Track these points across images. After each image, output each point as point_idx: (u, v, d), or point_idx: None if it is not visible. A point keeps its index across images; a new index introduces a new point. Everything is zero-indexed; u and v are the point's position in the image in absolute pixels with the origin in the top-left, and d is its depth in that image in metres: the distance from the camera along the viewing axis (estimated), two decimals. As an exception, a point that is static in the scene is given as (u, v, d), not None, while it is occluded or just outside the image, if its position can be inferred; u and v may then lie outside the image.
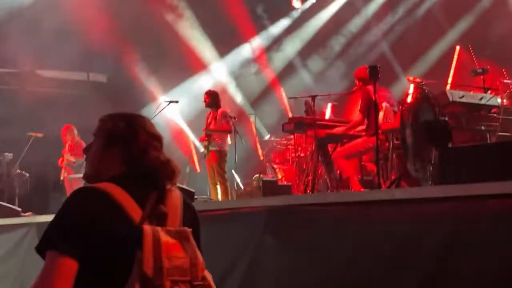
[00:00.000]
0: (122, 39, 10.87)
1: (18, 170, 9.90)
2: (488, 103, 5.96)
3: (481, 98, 5.93)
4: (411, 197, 3.47)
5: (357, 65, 10.23)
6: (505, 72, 7.07)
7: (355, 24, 11.62)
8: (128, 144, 2.13)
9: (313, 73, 11.95)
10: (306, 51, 12.18)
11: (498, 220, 2.84)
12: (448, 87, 7.51)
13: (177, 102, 9.57)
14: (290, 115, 9.92)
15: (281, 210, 4.03)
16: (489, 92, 6.47)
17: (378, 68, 5.80)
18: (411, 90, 6.74)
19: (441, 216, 3.10)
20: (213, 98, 8.23)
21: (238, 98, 12.05)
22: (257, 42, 12.30)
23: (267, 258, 3.89)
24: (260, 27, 12.18)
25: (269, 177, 8.68)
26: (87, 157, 2.23)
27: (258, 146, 10.49)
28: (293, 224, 3.89)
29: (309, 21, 12.18)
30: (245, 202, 5.94)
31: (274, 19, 12.29)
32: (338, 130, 6.62)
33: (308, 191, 6.56)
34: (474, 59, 7.16)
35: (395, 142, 5.86)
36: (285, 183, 8.31)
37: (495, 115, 6.02)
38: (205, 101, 8.29)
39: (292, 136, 8.21)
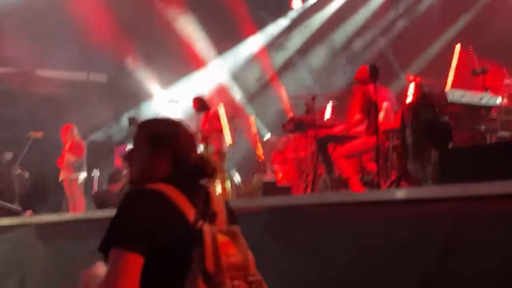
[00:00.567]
0: (122, 38, 10.88)
1: (18, 170, 9.91)
2: (488, 103, 5.95)
3: (481, 98, 5.93)
4: (411, 197, 3.47)
5: (357, 63, 10.31)
6: (505, 72, 7.06)
7: (355, 21, 11.61)
8: (175, 146, 2.24)
9: (313, 72, 11.95)
10: (306, 50, 12.17)
11: (498, 220, 2.84)
12: (448, 87, 7.50)
13: (177, 102, 9.60)
14: (290, 115, 9.92)
15: (281, 210, 4.03)
16: (489, 92, 6.47)
17: (378, 68, 5.80)
18: (411, 90, 6.75)
19: (441, 216, 3.10)
20: (200, 103, 8.36)
21: (238, 96, 12.04)
22: (257, 41, 12.28)
23: (267, 258, 3.88)
24: (260, 26, 12.17)
25: (269, 177, 8.68)
26: (131, 162, 2.32)
27: (258, 146, 10.48)
28: (293, 224, 3.89)
29: (309, 19, 12.17)
30: (245, 202, 5.94)
31: (274, 18, 12.29)
32: (338, 130, 6.61)
33: (308, 191, 6.56)
34: (474, 59, 7.16)
35: (395, 142, 5.86)
36: (285, 183, 8.30)
37: (495, 115, 6.01)
38: (194, 108, 8.40)
39: (292, 136, 8.21)
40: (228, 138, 8.48)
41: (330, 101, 8.61)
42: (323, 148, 6.58)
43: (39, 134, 9.94)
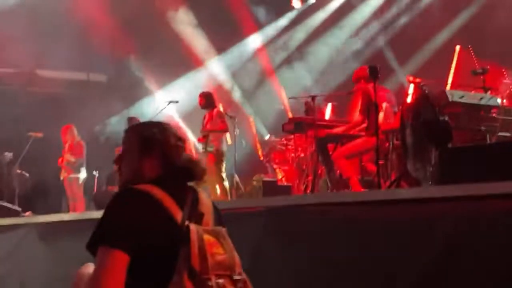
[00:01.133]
0: (122, 38, 10.88)
1: (18, 170, 9.91)
2: (488, 103, 5.95)
3: (481, 98, 5.93)
4: (411, 197, 3.47)
5: (356, 63, 10.31)
6: (505, 72, 7.07)
7: (355, 19, 11.61)
8: (163, 149, 2.30)
9: (313, 71, 11.94)
10: (306, 50, 12.17)
11: (498, 220, 2.84)
12: (448, 87, 7.51)
13: (177, 102, 9.59)
14: (290, 115, 9.93)
15: (281, 210, 4.03)
16: (489, 92, 6.47)
17: (378, 68, 5.80)
18: (411, 90, 6.76)
19: (441, 216, 3.10)
20: (207, 99, 8.29)
21: (237, 96, 12.04)
22: (256, 40, 12.28)
23: (267, 258, 3.89)
24: (260, 25, 12.17)
25: (269, 177, 8.68)
26: (121, 165, 2.38)
27: (258, 146, 10.49)
28: (293, 224, 3.89)
29: (308, 19, 12.17)
30: (245, 202, 5.94)
31: (274, 17, 12.28)
32: (338, 130, 6.62)
33: (308, 191, 6.56)
34: (474, 59, 7.16)
35: (395, 142, 5.86)
36: (285, 183, 8.31)
37: (495, 115, 6.01)
38: (200, 104, 8.35)
39: (292, 136, 8.21)
40: (228, 138, 8.48)
41: (330, 102, 8.62)
42: (323, 148, 6.58)
43: (39, 134, 9.95)
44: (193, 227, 2.12)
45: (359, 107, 6.37)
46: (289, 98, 10.59)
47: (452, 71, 8.22)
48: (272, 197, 6.60)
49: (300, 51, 12.26)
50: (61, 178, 9.31)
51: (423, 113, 4.97)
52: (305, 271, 3.68)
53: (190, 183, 2.30)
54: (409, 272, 3.14)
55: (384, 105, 6.23)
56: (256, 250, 4.00)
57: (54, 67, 11.50)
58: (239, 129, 9.11)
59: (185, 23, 11.64)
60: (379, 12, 11.28)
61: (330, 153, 6.56)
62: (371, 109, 5.94)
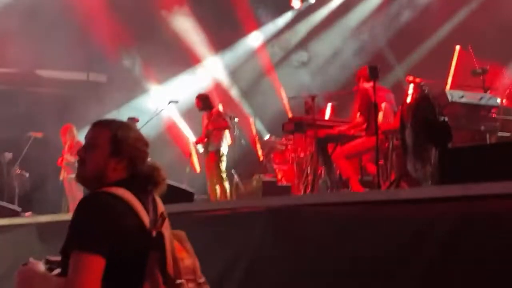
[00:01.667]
0: (122, 37, 10.87)
1: (18, 170, 9.90)
2: (488, 103, 5.95)
3: (481, 98, 5.93)
4: (411, 197, 3.47)
5: (356, 62, 10.30)
6: (504, 73, 7.07)
7: (355, 18, 11.60)
8: (132, 152, 2.28)
9: (313, 70, 11.92)
10: (306, 49, 12.16)
11: (498, 220, 2.84)
12: (448, 87, 7.51)
13: (177, 102, 9.59)
14: (290, 115, 9.92)
15: (281, 210, 4.03)
16: (489, 92, 6.47)
17: (378, 68, 5.80)
18: (410, 90, 6.75)
19: (441, 216, 3.10)
20: (204, 101, 8.33)
21: (237, 95, 12.03)
22: (257, 38, 12.26)
23: (267, 259, 3.89)
24: (260, 24, 12.15)
25: (269, 177, 8.67)
26: (85, 158, 2.31)
27: (258, 146, 10.48)
28: (293, 224, 3.89)
29: (309, 17, 12.16)
30: (245, 202, 5.94)
31: (274, 16, 12.27)
32: (338, 130, 6.61)
33: (308, 191, 6.56)
34: (474, 59, 7.16)
35: (395, 142, 5.85)
36: (285, 183, 8.30)
37: (495, 115, 6.02)
38: (197, 106, 8.38)
39: (292, 136, 8.20)
40: (228, 138, 8.47)
41: (330, 101, 8.61)
42: (323, 148, 6.58)
43: (39, 134, 9.94)
44: (165, 232, 2.13)
45: (359, 107, 6.38)
46: (289, 97, 10.59)
47: (452, 71, 8.21)
48: (272, 197, 6.60)
49: (300, 50, 12.24)
50: (61, 178, 9.30)
51: (423, 113, 4.98)
52: (305, 271, 3.68)
53: (149, 188, 2.29)
54: (409, 272, 3.14)
55: (384, 105, 6.22)
56: (256, 250, 4.00)
57: (54, 67, 11.50)
58: (238, 129, 9.12)
59: (185, 21, 11.63)
60: (379, 10, 11.27)
61: (330, 153, 6.55)
62: (370, 109, 5.94)
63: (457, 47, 8.38)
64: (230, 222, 4.34)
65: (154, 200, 2.27)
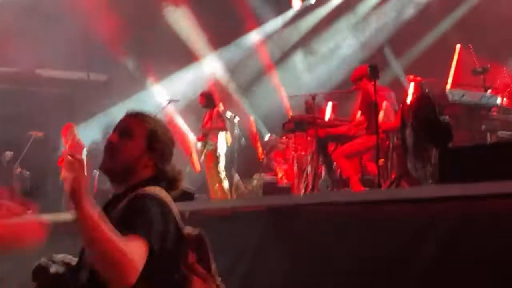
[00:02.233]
0: (122, 36, 10.87)
1: (18, 170, 9.91)
2: (488, 102, 5.95)
3: (481, 98, 5.93)
4: (411, 196, 3.47)
5: (355, 59, 10.30)
6: (505, 71, 7.07)
7: (354, 17, 11.59)
8: (163, 150, 2.24)
9: (313, 69, 11.91)
10: (306, 48, 12.15)
11: (498, 220, 2.84)
12: (448, 86, 7.51)
13: (177, 101, 9.59)
14: (291, 114, 9.91)
15: (281, 210, 4.03)
16: (489, 91, 6.47)
17: (378, 68, 5.80)
18: (411, 90, 6.75)
19: (441, 216, 3.10)
20: (208, 99, 8.33)
21: (237, 95, 12.02)
22: (257, 36, 12.25)
23: (267, 258, 3.89)
24: (261, 21, 12.14)
25: (269, 176, 8.67)
26: (116, 147, 2.20)
27: (258, 145, 10.47)
28: (293, 224, 3.89)
29: (309, 16, 12.16)
30: (245, 202, 5.94)
31: (274, 14, 12.26)
32: (339, 129, 6.61)
33: (308, 191, 6.56)
34: (475, 57, 7.16)
35: (395, 141, 5.85)
36: (285, 182, 8.30)
37: (496, 114, 6.02)
38: (200, 103, 8.37)
39: (292, 135, 8.20)
40: (228, 138, 8.47)
41: (330, 100, 8.61)
42: (323, 148, 6.58)
43: (39, 134, 9.95)
44: (201, 231, 2.23)
45: (359, 106, 6.38)
46: (290, 96, 10.59)
47: (452, 70, 8.20)
48: (272, 196, 6.60)
49: (300, 49, 12.23)
50: (62, 177, 9.31)
51: (424, 112, 4.97)
52: (305, 270, 3.68)
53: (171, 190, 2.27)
54: (409, 271, 3.14)
55: (384, 104, 6.22)
56: (256, 250, 4.00)
57: (54, 67, 11.50)
58: (239, 128, 9.11)
59: (185, 19, 11.63)
60: (379, 8, 11.26)
61: (330, 152, 6.55)
62: (371, 108, 5.94)
63: (458, 46, 8.37)
64: (230, 222, 4.34)
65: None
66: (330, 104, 8.54)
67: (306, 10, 12.23)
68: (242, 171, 9.34)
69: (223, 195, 8.04)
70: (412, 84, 6.77)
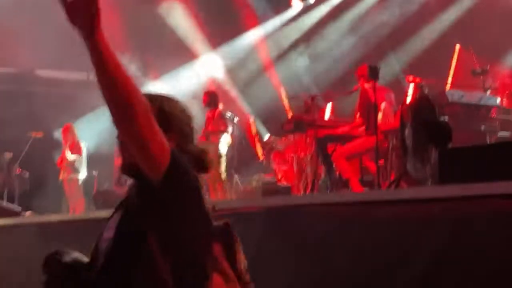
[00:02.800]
0: (122, 35, 10.87)
1: (18, 170, 9.91)
2: (488, 103, 5.96)
3: (481, 98, 5.94)
4: (411, 197, 3.47)
5: (355, 59, 10.29)
6: (504, 72, 7.08)
7: (353, 16, 11.60)
8: (180, 127, 1.99)
9: (313, 69, 11.90)
10: (306, 48, 12.15)
11: (498, 220, 2.84)
12: (448, 87, 7.51)
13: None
14: (290, 114, 9.92)
15: (281, 210, 4.03)
16: (489, 92, 6.48)
17: (378, 68, 5.80)
18: (410, 90, 6.76)
19: (441, 216, 3.10)
20: (211, 98, 8.31)
21: (236, 95, 12.02)
22: (256, 35, 12.25)
23: (267, 258, 3.89)
24: (260, 20, 12.14)
25: (269, 177, 8.67)
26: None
27: (258, 146, 10.47)
28: (293, 224, 3.89)
29: (308, 15, 12.17)
30: (245, 202, 5.94)
31: (274, 14, 12.26)
32: (338, 130, 6.61)
33: (308, 191, 6.56)
34: (474, 58, 7.17)
35: (395, 142, 5.86)
36: (285, 183, 8.29)
37: (495, 115, 6.02)
38: (204, 102, 8.35)
39: (292, 136, 8.20)
40: (228, 138, 8.46)
41: (330, 101, 8.61)
42: (323, 148, 6.58)
43: (39, 134, 9.95)
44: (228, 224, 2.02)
45: (358, 107, 6.38)
46: (289, 97, 10.59)
47: (452, 70, 8.21)
48: (272, 197, 6.60)
49: (300, 49, 12.22)
50: (61, 178, 9.31)
51: (423, 113, 4.98)
52: (305, 271, 3.68)
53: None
54: (409, 272, 3.14)
55: (383, 105, 6.22)
56: (256, 250, 4.00)
57: (54, 67, 11.50)
58: (238, 129, 9.11)
59: (184, 17, 11.64)
60: (378, 7, 11.27)
61: (330, 153, 6.55)
62: (370, 109, 5.94)
63: (457, 47, 8.38)
64: (230, 222, 4.33)
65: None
66: (329, 104, 8.54)
67: (306, 9, 12.23)
68: (242, 171, 9.34)
69: (223, 195, 8.04)
70: (411, 85, 6.78)
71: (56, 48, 9.93)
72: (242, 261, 1.97)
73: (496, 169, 3.30)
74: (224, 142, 8.29)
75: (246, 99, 11.84)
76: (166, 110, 1.97)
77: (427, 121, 4.92)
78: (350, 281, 3.42)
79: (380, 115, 6.02)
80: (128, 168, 1.89)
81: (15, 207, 7.93)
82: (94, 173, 10.30)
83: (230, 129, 8.29)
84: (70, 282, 1.93)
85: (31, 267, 5.72)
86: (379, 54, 10.05)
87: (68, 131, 9.31)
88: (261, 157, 10.11)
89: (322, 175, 6.84)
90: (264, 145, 10.09)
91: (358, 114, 6.41)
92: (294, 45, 12.23)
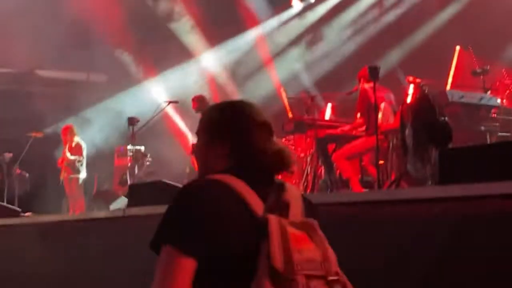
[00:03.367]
0: (122, 37, 10.88)
1: (18, 170, 9.92)
2: (488, 103, 5.97)
3: (481, 98, 5.94)
4: (411, 197, 3.47)
5: (354, 58, 10.30)
6: (505, 72, 7.08)
7: (353, 15, 11.61)
8: (233, 136, 1.93)
9: (313, 69, 11.90)
10: (306, 47, 12.16)
11: (498, 220, 2.84)
12: (448, 87, 7.52)
13: (177, 102, 9.59)
14: (290, 115, 9.91)
15: (281, 210, 4.02)
16: (489, 92, 6.48)
17: (378, 68, 5.80)
18: (411, 90, 6.76)
19: (441, 216, 3.10)
20: (200, 103, 8.34)
21: (236, 94, 12.02)
22: (255, 34, 12.25)
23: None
24: (260, 20, 12.14)
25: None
26: (195, 157, 2.07)
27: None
28: (293, 224, 3.88)
29: (308, 15, 12.17)
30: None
31: (273, 13, 12.27)
32: (339, 130, 6.62)
33: (308, 191, 6.56)
34: (474, 59, 7.17)
35: (395, 142, 5.86)
36: (285, 183, 8.29)
37: (495, 115, 6.03)
38: (193, 107, 8.38)
39: (292, 137, 8.20)
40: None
41: (330, 101, 8.62)
42: (323, 149, 6.58)
43: (39, 134, 9.96)
44: (272, 218, 1.73)
45: (358, 108, 6.38)
46: (289, 97, 10.58)
47: (452, 71, 8.22)
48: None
49: (300, 49, 12.23)
50: (61, 178, 9.31)
51: (423, 113, 4.98)
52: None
53: (275, 177, 1.92)
54: (409, 272, 3.14)
55: (383, 105, 6.23)
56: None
57: (54, 67, 11.51)
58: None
59: (184, 16, 11.65)
60: (377, 6, 11.28)
61: (330, 153, 6.56)
62: (370, 109, 5.94)
63: (457, 47, 8.38)
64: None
65: (279, 187, 1.87)
66: (329, 105, 8.55)
67: (306, 9, 12.23)
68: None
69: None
70: (411, 86, 6.79)
71: (56, 48, 9.93)
72: (299, 257, 1.77)
73: (496, 169, 3.30)
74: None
75: (245, 98, 11.82)
76: (211, 122, 1.98)
77: (427, 121, 4.92)
78: (350, 281, 3.42)
79: (380, 115, 6.02)
80: None
81: (15, 207, 7.93)
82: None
83: None
84: None
85: (31, 267, 5.73)
86: (378, 54, 10.05)
87: (68, 131, 9.32)
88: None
89: (322, 175, 6.85)
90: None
91: (359, 114, 6.42)
92: (294, 45, 12.23)
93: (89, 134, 10.32)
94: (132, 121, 8.19)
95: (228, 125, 1.94)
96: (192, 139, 10.89)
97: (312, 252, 1.77)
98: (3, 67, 11.21)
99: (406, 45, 10.48)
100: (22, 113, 10.44)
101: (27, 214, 7.69)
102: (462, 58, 8.15)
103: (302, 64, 12.03)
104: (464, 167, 3.57)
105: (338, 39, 11.67)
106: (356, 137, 6.32)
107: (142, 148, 9.43)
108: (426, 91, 6.23)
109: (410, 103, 6.09)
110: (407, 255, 3.18)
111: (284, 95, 11.31)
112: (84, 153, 9.35)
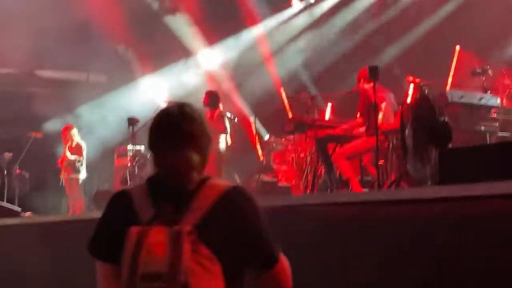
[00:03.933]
0: (122, 34, 10.88)
1: (18, 170, 9.92)
2: (488, 103, 5.96)
3: (481, 98, 5.94)
4: (411, 197, 3.47)
5: (354, 58, 10.29)
6: (505, 72, 7.08)
7: (352, 14, 11.61)
8: (152, 145, 2.03)
9: (313, 69, 11.89)
10: (306, 47, 12.15)
11: (498, 220, 2.84)
12: (448, 87, 7.52)
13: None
14: (290, 115, 9.92)
15: (281, 210, 4.03)
16: (489, 92, 6.48)
17: (378, 69, 5.80)
18: (411, 91, 6.77)
19: (441, 217, 3.10)
20: (212, 98, 8.25)
21: (235, 96, 12.01)
22: (256, 33, 12.24)
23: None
24: (260, 19, 12.13)
25: (269, 177, 8.67)
26: None
27: (258, 146, 10.47)
28: (293, 224, 3.89)
29: (308, 14, 12.16)
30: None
31: (273, 12, 12.27)
32: (339, 130, 6.61)
33: (308, 191, 6.56)
34: (474, 59, 7.17)
35: (395, 142, 5.86)
36: (285, 183, 8.30)
37: (495, 115, 6.03)
38: (204, 101, 8.29)
39: (292, 137, 8.20)
40: (228, 139, 8.46)
41: (330, 101, 8.62)
42: (323, 149, 6.58)
43: (39, 134, 9.96)
44: (134, 228, 1.86)
45: (359, 108, 6.38)
46: (288, 97, 10.58)
47: (452, 71, 8.22)
48: (272, 197, 6.60)
49: (300, 49, 12.22)
50: (61, 178, 9.31)
51: (423, 113, 4.98)
52: (304, 271, 3.68)
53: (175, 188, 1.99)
54: (409, 272, 3.14)
55: (383, 105, 6.23)
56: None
57: (54, 67, 11.51)
58: (239, 129, 9.11)
59: (184, 15, 11.65)
60: (377, 5, 11.28)
61: (330, 153, 6.55)
62: (370, 109, 5.94)
63: (457, 48, 8.39)
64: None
65: (183, 196, 1.94)
66: (329, 105, 8.55)
67: (305, 9, 12.23)
68: (242, 171, 9.34)
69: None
70: (411, 86, 6.79)
71: (56, 48, 9.93)
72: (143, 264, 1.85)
73: (496, 169, 3.30)
74: (223, 142, 8.27)
75: (246, 99, 11.84)
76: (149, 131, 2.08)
77: (427, 121, 4.92)
78: (350, 281, 3.42)
79: (380, 115, 6.02)
80: None
81: (15, 207, 7.93)
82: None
83: (227, 132, 8.26)
84: None
85: (31, 267, 5.73)
86: (378, 53, 10.06)
87: (68, 131, 9.31)
88: (261, 157, 10.12)
89: (322, 175, 6.85)
90: (264, 145, 10.10)
91: (359, 114, 6.41)
92: (294, 44, 12.23)
93: (89, 134, 10.31)
94: (132, 121, 8.18)
95: (151, 135, 2.04)
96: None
97: (159, 264, 1.81)
98: (3, 67, 11.21)
99: (404, 43, 10.48)
100: (22, 113, 10.43)
101: (27, 214, 7.69)
102: (462, 58, 8.15)
103: (301, 62, 12.02)
104: (464, 167, 3.58)
105: (336, 38, 11.67)
106: (356, 137, 6.32)
107: (142, 148, 9.43)
108: (426, 92, 6.23)
109: (410, 103, 6.10)
110: (407, 255, 3.18)
111: (284, 95, 11.33)
112: (84, 153, 9.35)
